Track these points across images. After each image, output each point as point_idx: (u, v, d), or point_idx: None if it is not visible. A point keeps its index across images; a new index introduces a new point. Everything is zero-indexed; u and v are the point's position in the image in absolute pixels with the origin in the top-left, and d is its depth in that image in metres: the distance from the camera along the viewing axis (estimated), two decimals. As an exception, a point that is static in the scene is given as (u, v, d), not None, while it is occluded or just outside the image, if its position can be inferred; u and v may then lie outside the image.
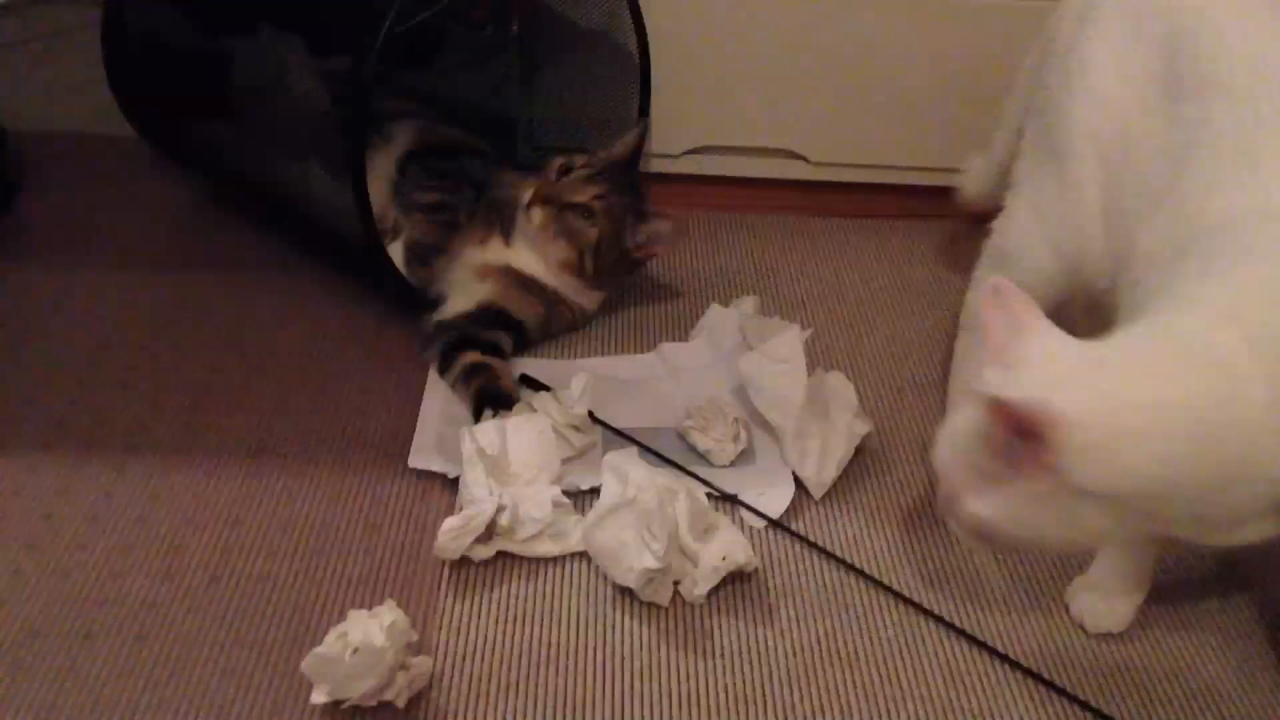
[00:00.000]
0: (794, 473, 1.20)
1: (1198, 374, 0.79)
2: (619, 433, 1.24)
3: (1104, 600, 1.08)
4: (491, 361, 1.29)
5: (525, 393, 1.28)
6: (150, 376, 1.30)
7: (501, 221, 1.40)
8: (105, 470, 1.17)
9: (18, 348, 1.32)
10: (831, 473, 1.19)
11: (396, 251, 1.38)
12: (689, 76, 1.55)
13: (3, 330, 1.35)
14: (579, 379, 1.21)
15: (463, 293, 1.36)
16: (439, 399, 1.29)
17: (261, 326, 1.39)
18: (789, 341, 1.27)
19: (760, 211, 1.67)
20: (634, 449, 1.17)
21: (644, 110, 1.52)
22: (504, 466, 1.14)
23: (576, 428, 1.20)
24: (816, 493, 1.19)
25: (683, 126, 1.60)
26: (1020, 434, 0.77)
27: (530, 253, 1.38)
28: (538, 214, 1.36)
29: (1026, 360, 0.82)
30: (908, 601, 1.09)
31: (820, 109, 1.59)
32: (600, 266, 1.39)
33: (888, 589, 1.10)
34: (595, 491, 1.15)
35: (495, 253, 1.39)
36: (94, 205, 1.58)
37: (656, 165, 1.62)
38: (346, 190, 1.24)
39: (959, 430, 0.85)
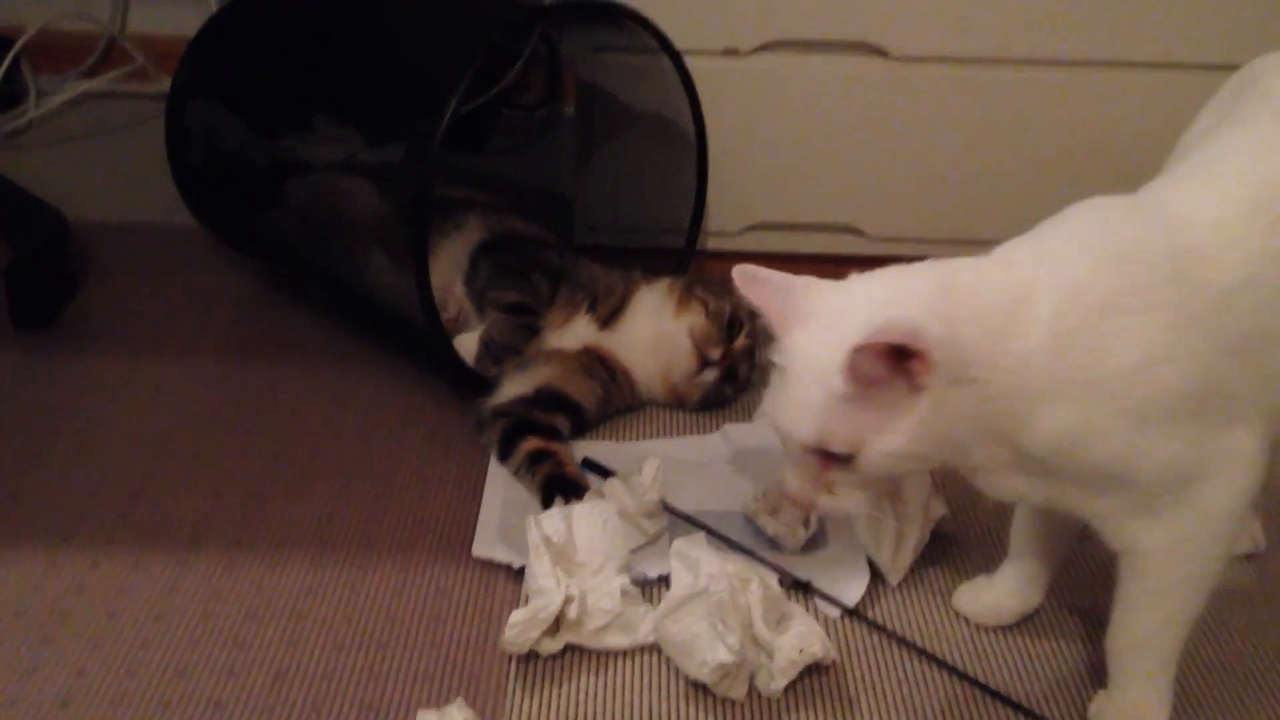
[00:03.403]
0: (868, 558, 1.17)
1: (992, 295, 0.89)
2: (686, 517, 1.22)
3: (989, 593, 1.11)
4: (554, 447, 1.27)
5: (593, 479, 1.26)
6: (213, 466, 1.29)
7: (597, 305, 1.40)
8: (169, 565, 1.15)
9: (81, 439, 1.32)
10: (908, 557, 1.16)
11: (463, 341, 1.36)
12: (746, 154, 1.54)
13: (66, 421, 1.35)
14: (649, 465, 1.19)
15: (521, 376, 1.34)
16: (501, 486, 1.27)
17: (322, 413, 1.38)
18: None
19: (820, 287, 1.66)
20: (701, 534, 1.14)
21: (701, 189, 1.52)
22: (570, 555, 1.11)
23: (649, 514, 1.18)
24: (893, 579, 1.16)
25: (740, 204, 1.59)
26: (898, 359, 0.82)
27: (640, 350, 1.39)
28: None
29: (823, 309, 0.87)
30: (994, 694, 1.04)
31: (877, 183, 1.58)
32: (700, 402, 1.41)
33: (973, 680, 1.06)
34: (662, 580, 1.12)
35: (579, 335, 1.38)
36: (156, 295, 1.59)
37: (714, 243, 1.61)
38: (409, 277, 1.24)
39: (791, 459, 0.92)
